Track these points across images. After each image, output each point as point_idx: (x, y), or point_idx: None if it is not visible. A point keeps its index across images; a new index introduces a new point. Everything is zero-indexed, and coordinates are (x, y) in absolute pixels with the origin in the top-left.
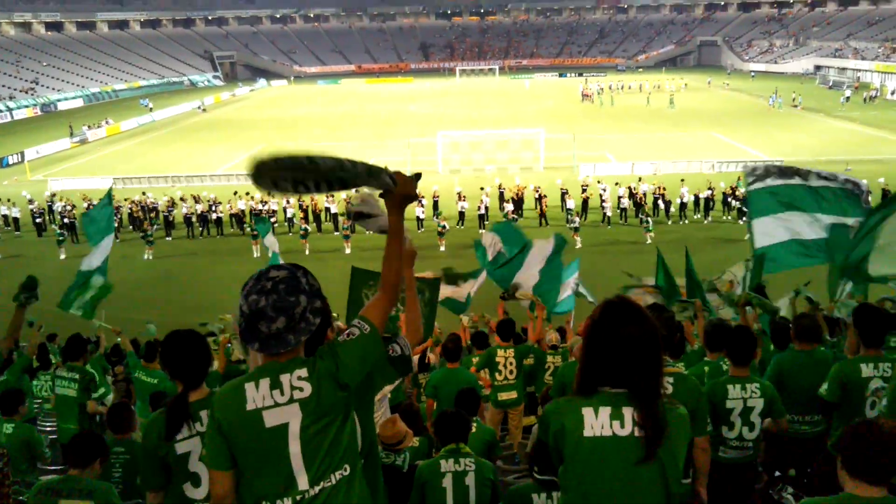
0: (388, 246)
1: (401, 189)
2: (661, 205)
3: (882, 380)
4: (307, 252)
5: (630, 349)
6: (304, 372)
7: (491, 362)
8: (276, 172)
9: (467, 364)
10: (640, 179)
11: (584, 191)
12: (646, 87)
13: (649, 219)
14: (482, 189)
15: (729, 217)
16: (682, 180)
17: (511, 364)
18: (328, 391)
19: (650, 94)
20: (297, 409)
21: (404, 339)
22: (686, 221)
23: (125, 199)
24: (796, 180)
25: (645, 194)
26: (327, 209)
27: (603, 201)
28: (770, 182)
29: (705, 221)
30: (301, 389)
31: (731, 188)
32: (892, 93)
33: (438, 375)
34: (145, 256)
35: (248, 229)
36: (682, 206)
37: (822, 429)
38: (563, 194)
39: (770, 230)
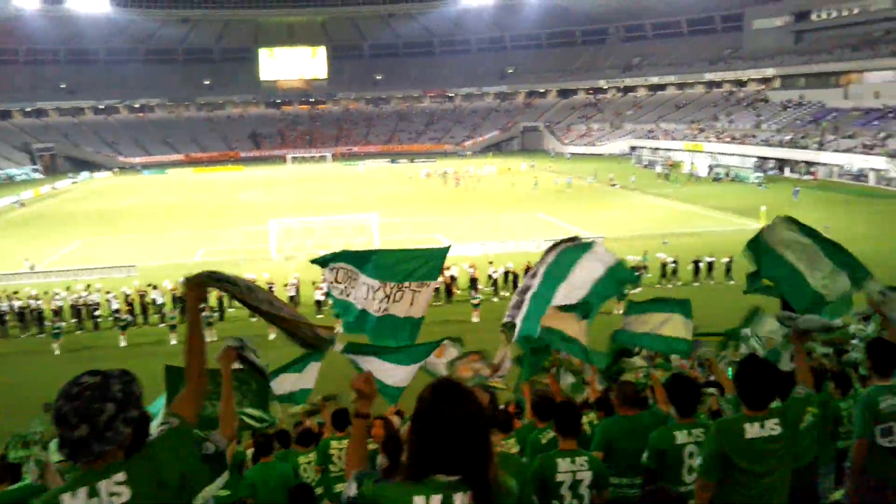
0: (188, 338)
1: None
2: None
3: (696, 445)
4: (123, 344)
5: (461, 432)
6: (121, 476)
7: (325, 455)
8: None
9: (290, 457)
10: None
11: None
12: (489, 171)
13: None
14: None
15: None
16: (491, 262)
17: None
18: (148, 493)
19: (536, 178)
20: None
21: (217, 434)
22: (497, 299)
23: None
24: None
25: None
26: (153, 301)
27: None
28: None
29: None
30: (119, 495)
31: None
32: (687, 170)
33: (255, 472)
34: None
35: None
36: (494, 282)
37: None
38: None
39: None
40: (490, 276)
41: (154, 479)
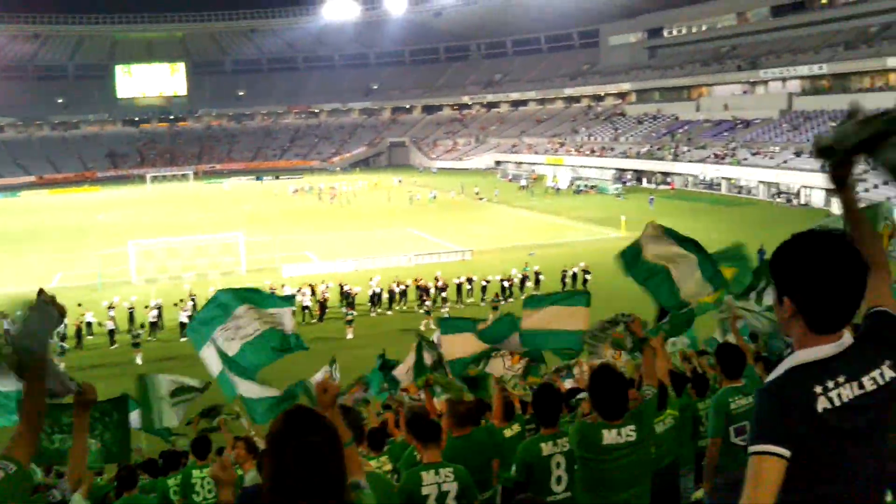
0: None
1: None
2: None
3: (562, 455)
4: None
5: (314, 459)
6: None
7: (187, 484)
8: None
9: (158, 486)
10: (322, 282)
11: None
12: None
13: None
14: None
15: (421, 310)
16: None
17: (209, 483)
18: None
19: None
20: None
21: (64, 482)
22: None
23: None
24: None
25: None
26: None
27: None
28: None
29: (388, 313)
30: None
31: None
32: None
33: None
34: None
35: None
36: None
37: None
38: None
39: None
40: (372, 295)
41: None
